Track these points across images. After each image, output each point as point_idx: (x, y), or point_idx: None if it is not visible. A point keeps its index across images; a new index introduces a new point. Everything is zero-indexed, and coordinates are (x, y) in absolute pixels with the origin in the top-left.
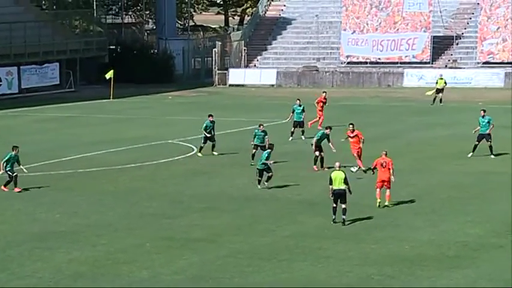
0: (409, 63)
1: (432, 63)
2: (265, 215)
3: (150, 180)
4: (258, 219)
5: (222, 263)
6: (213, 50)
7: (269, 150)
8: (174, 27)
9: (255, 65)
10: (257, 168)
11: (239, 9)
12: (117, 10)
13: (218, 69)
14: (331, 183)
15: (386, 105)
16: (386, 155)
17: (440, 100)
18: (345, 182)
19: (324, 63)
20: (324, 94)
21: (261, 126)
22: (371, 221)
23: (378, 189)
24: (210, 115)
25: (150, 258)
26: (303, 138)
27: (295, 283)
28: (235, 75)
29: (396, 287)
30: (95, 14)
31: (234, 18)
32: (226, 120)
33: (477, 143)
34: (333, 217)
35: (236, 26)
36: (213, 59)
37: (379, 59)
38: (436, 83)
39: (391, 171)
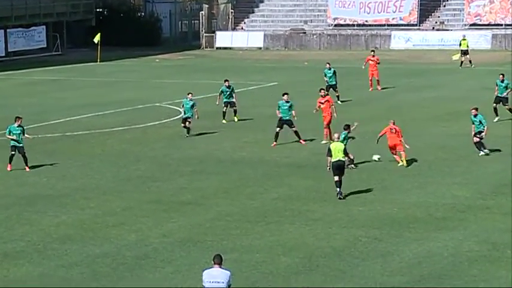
0: (396, 25)
1: (419, 26)
2: (253, 178)
3: (137, 144)
4: (245, 182)
5: (210, 226)
6: (200, 12)
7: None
8: None
9: (242, 28)
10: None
11: None
12: None
13: (205, 32)
14: (329, 154)
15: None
16: (394, 123)
17: (470, 61)
18: (345, 153)
19: (311, 25)
20: (372, 53)
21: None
22: (359, 183)
23: (395, 156)
24: (226, 80)
25: (138, 222)
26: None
27: (284, 245)
28: (223, 38)
29: (384, 249)
30: None
31: None
32: (213, 83)
33: (495, 105)
34: (338, 190)
35: None
36: (200, 21)
37: (366, 21)
38: (460, 44)
39: (401, 137)
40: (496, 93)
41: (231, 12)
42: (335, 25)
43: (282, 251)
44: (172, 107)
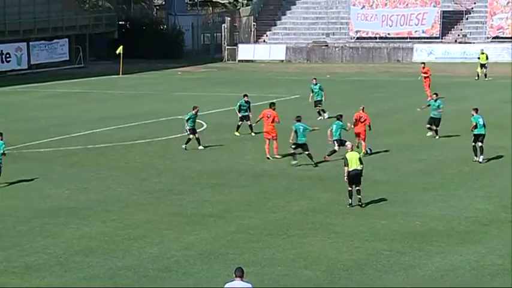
0: (418, 38)
1: (442, 38)
2: (274, 191)
3: (160, 156)
4: (267, 195)
5: (232, 239)
6: (223, 25)
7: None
8: (184, 3)
9: (264, 41)
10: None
11: None
12: None
13: (227, 45)
14: (346, 164)
15: (395, 81)
16: (363, 110)
17: (485, 75)
18: (360, 161)
19: (334, 38)
20: (423, 65)
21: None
22: (381, 196)
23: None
24: (245, 95)
25: (160, 234)
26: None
27: (305, 258)
28: (245, 51)
29: (406, 262)
30: None
31: None
32: (235, 95)
33: None
34: (350, 201)
35: (245, 1)
36: (223, 34)
37: (388, 34)
38: (478, 58)
39: (366, 125)
40: None
41: (253, 25)
42: (357, 38)
43: (304, 264)
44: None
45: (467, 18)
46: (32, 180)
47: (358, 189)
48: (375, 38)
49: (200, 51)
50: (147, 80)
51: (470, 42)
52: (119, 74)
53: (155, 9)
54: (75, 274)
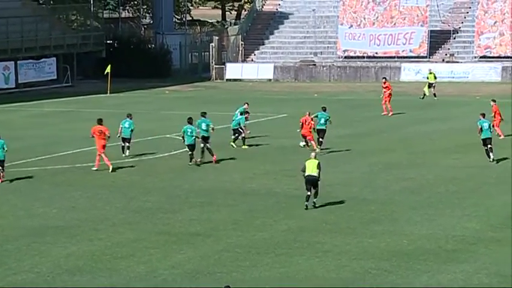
0: (406, 57)
1: (429, 58)
2: (262, 210)
3: (147, 175)
4: (255, 213)
5: (220, 258)
6: (210, 44)
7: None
8: (171, 22)
9: (252, 60)
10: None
11: (236, 4)
12: (114, 5)
13: (215, 64)
14: (303, 170)
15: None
16: (309, 114)
17: (434, 94)
18: (318, 168)
19: (321, 57)
20: (384, 80)
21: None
22: (368, 215)
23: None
24: (246, 103)
25: (147, 253)
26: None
27: (293, 277)
28: (233, 70)
29: (393, 281)
30: (92, 9)
31: (231, 13)
32: (223, 114)
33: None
34: (306, 204)
35: (233, 21)
36: (211, 53)
37: (376, 53)
38: (427, 78)
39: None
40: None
41: (241, 44)
42: (345, 57)
43: (292, 283)
44: (181, 138)
45: (454, 38)
46: (19, 199)
47: (316, 192)
48: (363, 57)
49: (188, 70)
50: (135, 99)
51: (457, 62)
52: (106, 93)
53: (143, 28)
54: None
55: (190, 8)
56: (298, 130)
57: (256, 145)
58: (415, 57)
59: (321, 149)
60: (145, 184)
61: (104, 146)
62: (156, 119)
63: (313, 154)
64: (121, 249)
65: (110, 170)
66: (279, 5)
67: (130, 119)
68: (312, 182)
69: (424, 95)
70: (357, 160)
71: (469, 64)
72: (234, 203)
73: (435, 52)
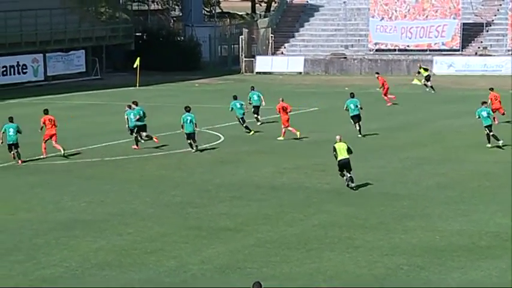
0: (438, 50)
1: (462, 51)
2: (293, 204)
3: (176, 169)
4: (285, 208)
5: (250, 253)
6: (240, 37)
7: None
8: (201, 14)
9: (282, 53)
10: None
11: None
12: None
13: (245, 57)
14: (335, 154)
15: (414, 93)
16: (283, 100)
17: (432, 87)
18: (349, 151)
19: (352, 50)
20: (377, 75)
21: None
22: (400, 210)
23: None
24: (253, 87)
25: (177, 248)
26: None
27: (324, 273)
28: (262, 63)
29: (426, 277)
30: (120, 1)
31: (261, 5)
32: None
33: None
34: (348, 183)
35: (263, 13)
36: (240, 46)
37: (408, 46)
38: (418, 73)
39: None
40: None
41: (271, 36)
42: (376, 50)
43: (323, 279)
44: (211, 132)
45: (487, 31)
46: (48, 192)
47: (350, 176)
48: (394, 50)
49: (217, 63)
50: (164, 92)
51: (490, 55)
52: (135, 86)
53: (172, 21)
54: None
55: (220, 0)
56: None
57: (287, 139)
58: (447, 50)
59: (363, 135)
60: (174, 178)
61: (53, 135)
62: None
63: (338, 137)
64: (150, 244)
65: (62, 154)
66: None
67: (188, 111)
68: (346, 166)
69: (432, 87)
70: (388, 155)
71: (502, 57)
72: (264, 197)
73: (468, 45)
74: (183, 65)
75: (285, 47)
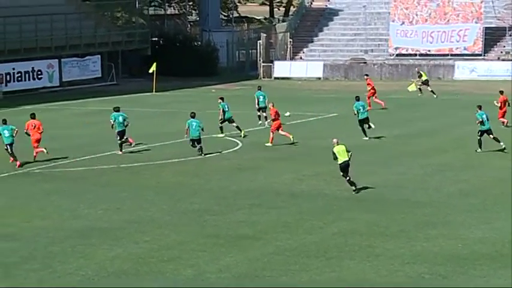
0: (460, 55)
1: (484, 55)
2: (312, 212)
3: (194, 176)
4: (305, 215)
5: (269, 261)
6: (258, 42)
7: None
8: (218, 19)
9: (301, 58)
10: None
11: (284, 0)
12: (159, 1)
13: (263, 62)
14: (335, 158)
15: (436, 99)
16: (273, 106)
17: (433, 92)
18: (347, 151)
19: (372, 55)
20: (366, 77)
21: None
22: (421, 218)
23: (283, 133)
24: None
25: (194, 256)
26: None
27: (344, 282)
28: (281, 68)
29: (448, 286)
30: (137, 5)
31: (279, 9)
32: None
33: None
34: (353, 187)
35: (281, 17)
36: (258, 51)
37: (429, 51)
38: (420, 76)
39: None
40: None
41: (290, 41)
42: (397, 55)
43: None
44: (229, 138)
45: (510, 35)
46: (64, 200)
47: (351, 181)
48: (415, 55)
49: (235, 68)
50: (180, 98)
51: None
52: (152, 92)
53: (189, 26)
54: None
55: (238, 4)
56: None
57: (306, 146)
58: (469, 55)
59: (369, 138)
60: (191, 185)
61: (38, 140)
62: (202, 118)
63: (335, 140)
64: (167, 252)
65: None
66: (329, 1)
67: (193, 117)
68: (347, 168)
69: (420, 90)
70: (409, 161)
71: None
72: (283, 204)
73: (490, 50)
74: (200, 70)
75: (303, 52)
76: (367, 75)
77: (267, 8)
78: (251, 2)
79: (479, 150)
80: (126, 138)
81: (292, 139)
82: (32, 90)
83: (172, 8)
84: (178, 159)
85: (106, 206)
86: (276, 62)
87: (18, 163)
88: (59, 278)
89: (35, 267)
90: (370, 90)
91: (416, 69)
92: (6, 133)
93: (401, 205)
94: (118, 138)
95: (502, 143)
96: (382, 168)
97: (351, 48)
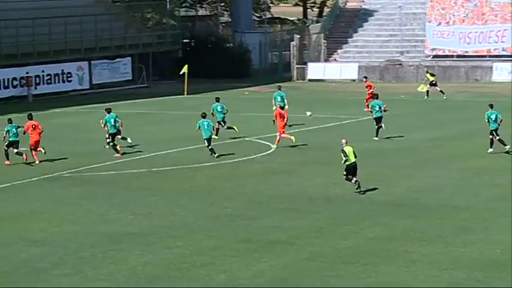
0: (498, 56)
1: None
2: (347, 217)
3: (227, 180)
4: (339, 220)
5: (303, 267)
6: (291, 43)
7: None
8: (250, 20)
9: (335, 59)
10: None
11: (318, 1)
12: (191, 2)
13: (296, 64)
14: (346, 158)
15: (474, 101)
16: (282, 108)
17: (442, 91)
18: (355, 155)
19: (408, 56)
20: (365, 79)
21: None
22: (459, 223)
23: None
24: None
25: (227, 261)
26: None
27: None
28: (315, 70)
29: None
30: (168, 6)
31: (312, 10)
32: (305, 116)
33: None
34: (354, 182)
35: (315, 18)
36: (291, 52)
37: (466, 52)
38: (432, 75)
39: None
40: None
41: (324, 42)
42: (433, 56)
43: None
44: (262, 141)
45: None
46: (94, 204)
47: (357, 181)
48: (452, 56)
49: (268, 71)
50: (212, 100)
51: None
52: (183, 94)
53: (221, 27)
54: None
55: (270, 5)
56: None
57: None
58: (508, 56)
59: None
60: (224, 189)
61: (37, 142)
62: (234, 121)
63: (344, 140)
64: (200, 257)
65: (37, 162)
66: (363, 1)
67: (204, 117)
68: (355, 170)
69: (428, 92)
70: (446, 165)
71: None
72: (317, 209)
73: None
74: (232, 72)
75: (338, 54)
76: (365, 77)
77: (301, 9)
78: (284, 3)
79: (490, 150)
80: (116, 141)
81: (294, 141)
82: (61, 93)
83: (203, 9)
84: (211, 162)
85: (137, 211)
86: (309, 64)
87: (9, 162)
88: (89, 284)
89: (65, 273)
90: (368, 93)
91: (426, 68)
92: (14, 130)
93: (439, 210)
94: (110, 140)
95: (507, 146)
96: (417, 171)
97: (386, 49)
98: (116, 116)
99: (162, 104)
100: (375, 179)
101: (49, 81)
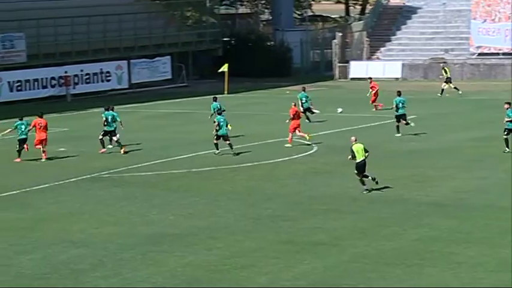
0: None
1: None
2: (390, 218)
3: (267, 180)
4: (383, 221)
5: (346, 269)
6: (333, 41)
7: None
8: (291, 18)
9: (378, 57)
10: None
11: None
12: (231, 0)
13: (338, 62)
14: (353, 156)
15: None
16: (295, 105)
17: (456, 88)
18: (365, 151)
19: (453, 54)
20: (370, 80)
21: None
22: (506, 224)
23: (300, 134)
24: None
25: (268, 263)
26: None
27: None
28: (357, 68)
29: None
30: (207, 4)
31: (355, 8)
32: (348, 116)
33: None
34: (365, 187)
35: (357, 16)
36: (333, 51)
37: None
38: (445, 72)
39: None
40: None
41: (366, 40)
42: (478, 54)
43: None
44: (303, 141)
45: None
46: (134, 205)
47: (365, 175)
48: (498, 54)
49: (309, 69)
50: (253, 100)
51: None
52: (224, 93)
53: (261, 25)
54: None
55: (311, 2)
56: (287, 121)
57: (383, 149)
58: None
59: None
60: (265, 190)
61: (42, 140)
62: (275, 120)
63: (353, 138)
64: (241, 259)
65: (43, 160)
66: None
67: (220, 113)
68: (363, 168)
69: (442, 91)
70: (492, 165)
71: None
72: (360, 210)
73: None
74: (273, 71)
75: (381, 52)
76: (370, 78)
77: (342, 6)
78: (326, 0)
79: (507, 150)
80: (105, 141)
81: (308, 138)
82: (100, 92)
83: (244, 6)
84: (252, 163)
85: (177, 212)
86: (352, 62)
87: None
88: (129, 286)
89: (105, 275)
90: (373, 94)
91: (442, 64)
92: (23, 128)
93: (485, 211)
94: (102, 133)
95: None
96: (463, 172)
97: (430, 47)
98: (117, 115)
99: (201, 104)
100: (419, 179)
101: (88, 80)
